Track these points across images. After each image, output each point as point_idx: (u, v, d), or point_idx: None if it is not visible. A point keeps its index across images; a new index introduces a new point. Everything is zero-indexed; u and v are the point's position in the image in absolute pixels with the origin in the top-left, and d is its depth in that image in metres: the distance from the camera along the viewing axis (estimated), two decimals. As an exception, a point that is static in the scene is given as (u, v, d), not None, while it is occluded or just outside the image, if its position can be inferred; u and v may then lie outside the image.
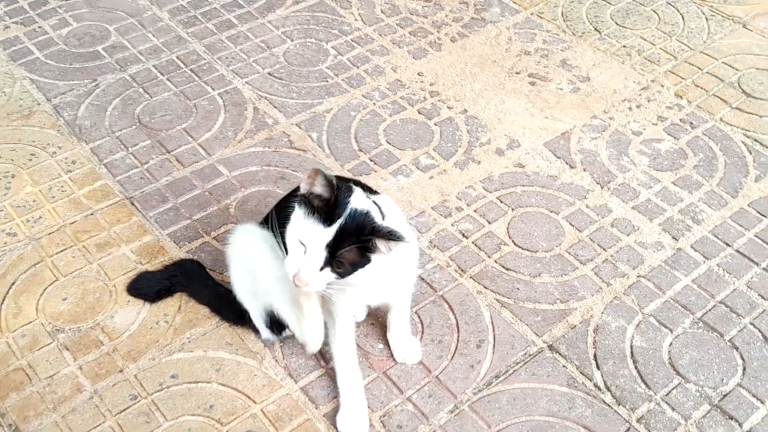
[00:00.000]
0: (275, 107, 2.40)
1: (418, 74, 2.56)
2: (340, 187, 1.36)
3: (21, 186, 2.10)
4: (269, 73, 2.53)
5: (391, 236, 1.35)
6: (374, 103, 2.44)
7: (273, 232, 1.62)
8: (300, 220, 1.37)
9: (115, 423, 1.61)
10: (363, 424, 1.60)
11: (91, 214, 2.04)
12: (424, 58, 2.63)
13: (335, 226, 1.35)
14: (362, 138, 2.32)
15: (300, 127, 2.34)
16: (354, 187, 1.42)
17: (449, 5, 2.87)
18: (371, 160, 2.25)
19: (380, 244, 1.36)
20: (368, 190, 1.53)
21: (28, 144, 2.23)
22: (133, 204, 2.08)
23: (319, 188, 1.36)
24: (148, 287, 1.87)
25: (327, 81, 2.51)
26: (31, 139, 2.25)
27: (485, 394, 1.70)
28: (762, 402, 1.70)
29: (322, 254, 1.36)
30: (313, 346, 1.57)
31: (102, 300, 1.84)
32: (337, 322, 1.56)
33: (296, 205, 1.39)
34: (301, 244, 1.36)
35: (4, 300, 1.82)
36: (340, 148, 2.28)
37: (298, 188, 1.64)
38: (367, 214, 1.37)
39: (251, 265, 1.63)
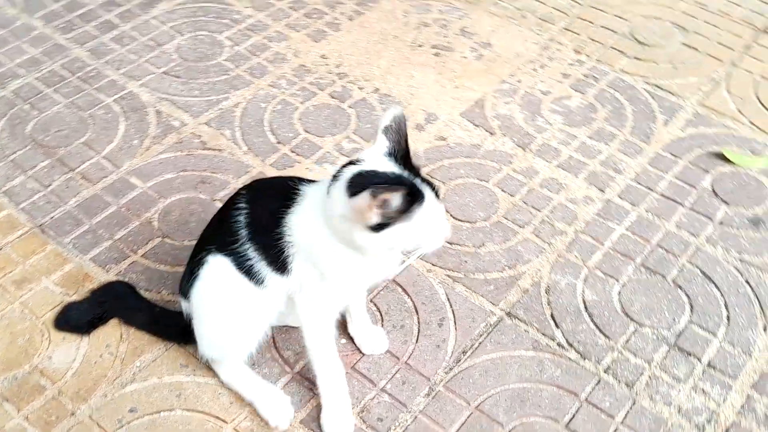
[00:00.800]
0: (179, 108, 2.27)
1: (322, 57, 2.49)
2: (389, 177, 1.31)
3: None
4: (165, 73, 2.39)
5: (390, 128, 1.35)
6: (283, 92, 2.35)
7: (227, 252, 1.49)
8: (412, 225, 1.30)
9: (76, 470, 1.48)
10: (349, 421, 1.55)
11: (0, 249, 1.86)
12: (324, 39, 2.56)
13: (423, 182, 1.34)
14: (278, 129, 2.23)
15: (210, 126, 2.22)
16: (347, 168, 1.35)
17: (338, -17, 2.80)
18: (292, 152, 2.17)
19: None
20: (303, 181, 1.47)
21: None
22: (44, 232, 1.91)
23: (397, 201, 1.27)
24: (78, 318, 1.73)
25: (228, 74, 2.40)
26: None
27: (457, 371, 1.68)
28: (714, 334, 1.78)
29: (441, 205, 1.36)
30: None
31: (34, 341, 1.68)
32: (324, 318, 1.49)
33: (389, 231, 1.29)
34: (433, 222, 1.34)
35: None
36: (257, 142, 2.18)
37: (234, 197, 1.52)
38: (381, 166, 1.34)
39: (219, 306, 1.52)
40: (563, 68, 2.50)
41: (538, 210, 2.04)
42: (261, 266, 1.45)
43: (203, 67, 2.42)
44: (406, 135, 1.34)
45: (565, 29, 2.64)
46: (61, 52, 2.43)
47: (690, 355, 1.74)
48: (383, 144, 1.33)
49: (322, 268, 1.41)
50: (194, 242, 1.86)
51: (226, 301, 1.49)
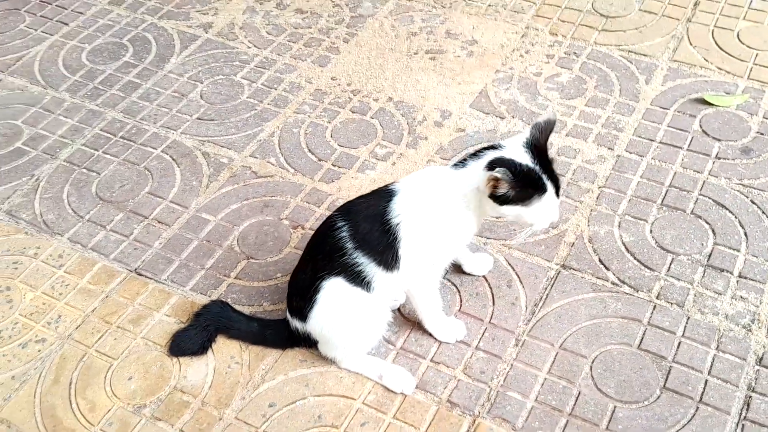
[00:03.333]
0: (222, 146, 2.50)
1: (332, 79, 2.74)
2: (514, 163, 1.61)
3: (21, 295, 2.08)
4: (198, 118, 2.61)
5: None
6: (309, 116, 2.59)
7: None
8: (528, 211, 1.65)
9: (239, 465, 1.70)
10: (459, 325, 1.91)
11: (107, 297, 2.07)
12: (329, 63, 2.81)
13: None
14: (316, 149, 2.47)
15: (255, 157, 2.45)
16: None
17: (325, 11, 3.06)
18: (334, 165, 2.41)
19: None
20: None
21: (4, 254, 2.19)
22: (140, 275, 2.12)
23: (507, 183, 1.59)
24: (190, 346, 1.93)
25: (255, 109, 2.63)
26: (3, 249, 2.20)
27: (535, 321, 1.95)
28: (737, 250, 2.08)
29: (558, 200, 1.71)
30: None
31: (165, 366, 1.89)
32: (434, 284, 1.82)
33: (509, 207, 1.64)
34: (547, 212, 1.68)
35: (74, 400, 1.83)
36: (301, 163, 2.42)
37: (328, 224, 1.77)
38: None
39: (343, 321, 1.77)
40: (545, 50, 2.79)
41: (563, 175, 2.32)
42: (370, 269, 1.70)
43: (231, 107, 2.65)
44: (549, 135, 1.65)
45: (536, 16, 2.94)
46: (97, 117, 2.64)
47: (723, 270, 2.03)
48: (525, 135, 1.65)
49: (435, 232, 1.69)
50: (276, 258, 2.11)
51: (348, 315, 1.75)
